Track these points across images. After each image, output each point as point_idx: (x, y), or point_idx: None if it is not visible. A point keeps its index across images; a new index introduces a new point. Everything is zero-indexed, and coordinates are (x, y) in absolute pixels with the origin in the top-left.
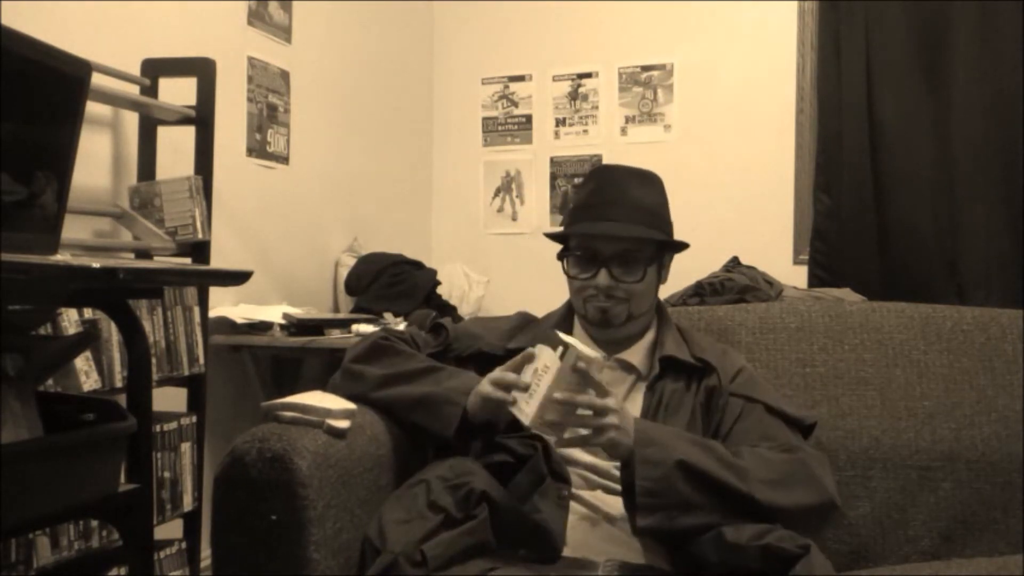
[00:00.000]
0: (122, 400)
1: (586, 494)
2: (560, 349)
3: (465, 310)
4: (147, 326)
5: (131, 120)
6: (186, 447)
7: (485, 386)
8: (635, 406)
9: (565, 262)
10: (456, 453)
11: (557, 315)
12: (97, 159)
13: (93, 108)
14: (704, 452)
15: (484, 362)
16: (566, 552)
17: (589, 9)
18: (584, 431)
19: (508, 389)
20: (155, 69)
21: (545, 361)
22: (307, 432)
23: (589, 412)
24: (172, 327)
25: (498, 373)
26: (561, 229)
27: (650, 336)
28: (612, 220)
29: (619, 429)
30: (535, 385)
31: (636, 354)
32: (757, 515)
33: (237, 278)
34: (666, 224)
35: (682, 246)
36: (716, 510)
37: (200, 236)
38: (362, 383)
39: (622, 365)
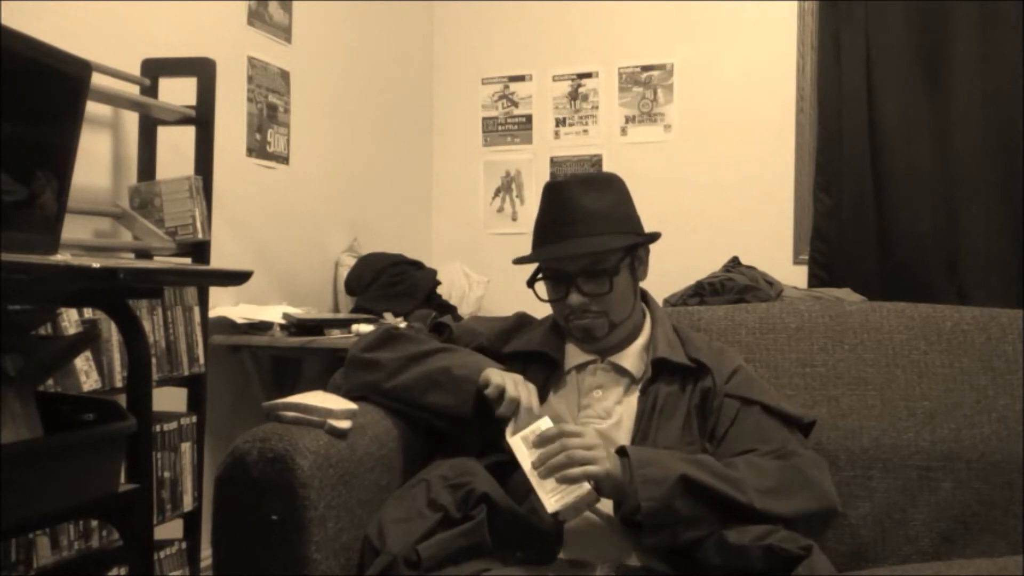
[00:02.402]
0: (122, 400)
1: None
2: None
3: (465, 310)
4: (147, 326)
5: (131, 120)
6: (186, 447)
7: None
8: (629, 410)
9: (536, 288)
10: (467, 437)
11: (552, 317)
12: (97, 159)
13: (93, 108)
14: (700, 468)
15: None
16: (564, 553)
17: (589, 9)
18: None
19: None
20: (155, 69)
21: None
22: (308, 432)
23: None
24: (172, 327)
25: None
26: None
27: (643, 337)
28: (569, 237)
29: (588, 449)
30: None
31: (629, 357)
32: (757, 521)
33: (237, 278)
34: (627, 222)
35: (651, 239)
36: (717, 522)
37: (200, 236)
38: (377, 370)
39: (615, 368)
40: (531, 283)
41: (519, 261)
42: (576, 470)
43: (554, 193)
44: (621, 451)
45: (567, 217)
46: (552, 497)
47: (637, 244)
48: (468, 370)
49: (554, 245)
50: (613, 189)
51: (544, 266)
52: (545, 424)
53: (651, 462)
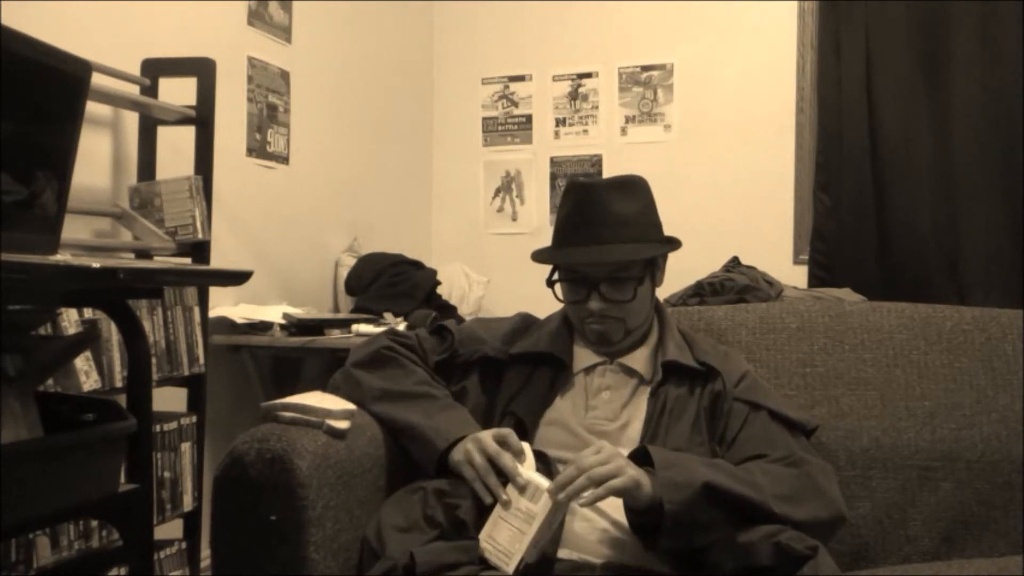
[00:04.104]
0: (122, 400)
1: (586, 495)
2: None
3: (465, 310)
4: (147, 326)
5: (131, 120)
6: (186, 447)
7: (473, 460)
8: (638, 411)
9: (555, 288)
10: None
11: (558, 317)
12: (97, 159)
13: (93, 108)
14: (721, 472)
15: (489, 367)
16: (564, 553)
17: (589, 9)
18: (591, 491)
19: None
20: (155, 69)
21: (526, 505)
22: (307, 433)
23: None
24: (172, 327)
25: (489, 477)
26: (546, 254)
27: (652, 339)
28: (596, 243)
29: (605, 463)
30: (515, 525)
31: (639, 359)
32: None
33: (237, 278)
34: (653, 229)
35: (674, 247)
36: (732, 526)
37: (200, 236)
38: (359, 392)
39: (624, 370)
40: (551, 283)
41: (540, 260)
42: (599, 490)
43: (582, 194)
44: (641, 452)
45: (596, 220)
46: (515, 562)
47: (663, 253)
48: (437, 434)
49: (580, 248)
50: (641, 194)
51: (565, 267)
52: (536, 479)
53: (673, 465)
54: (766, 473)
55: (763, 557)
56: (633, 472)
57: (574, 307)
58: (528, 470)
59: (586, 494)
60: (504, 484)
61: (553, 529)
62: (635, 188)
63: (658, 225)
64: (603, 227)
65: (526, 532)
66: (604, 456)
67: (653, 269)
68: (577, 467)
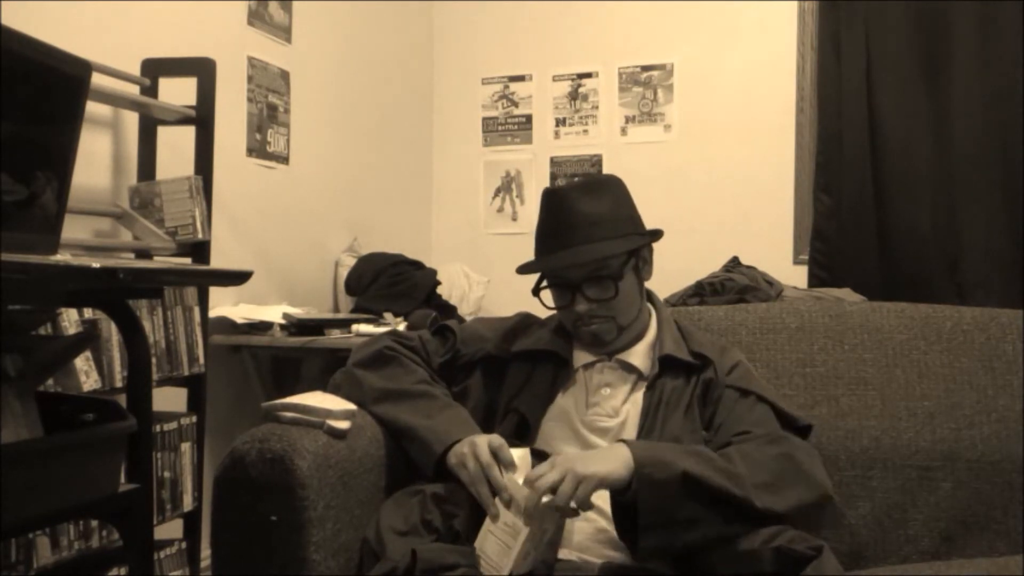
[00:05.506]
0: (122, 400)
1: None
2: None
3: (465, 310)
4: (147, 326)
5: (131, 120)
6: (186, 447)
7: (467, 465)
8: (636, 407)
9: (541, 296)
10: None
11: (558, 316)
12: (97, 159)
13: (93, 108)
14: (701, 461)
15: (491, 365)
16: (564, 554)
17: (589, 9)
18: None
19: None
20: (155, 69)
21: (512, 519)
22: (307, 433)
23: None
24: (172, 327)
25: (483, 486)
26: (528, 266)
27: (651, 335)
28: (569, 246)
29: (567, 468)
30: (502, 539)
31: (637, 355)
32: (756, 519)
33: (237, 278)
34: (628, 224)
35: (653, 237)
36: (716, 521)
37: (200, 236)
38: (360, 391)
39: (623, 366)
40: (536, 292)
41: (522, 271)
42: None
43: (552, 200)
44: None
45: (566, 224)
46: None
47: (639, 246)
48: (435, 437)
49: (555, 254)
50: (611, 191)
51: (547, 276)
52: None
53: (653, 462)
54: (746, 458)
55: (765, 563)
56: (580, 469)
57: (563, 313)
58: (517, 483)
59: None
60: (495, 495)
61: (545, 541)
62: (604, 187)
63: (634, 219)
64: (574, 230)
65: (511, 547)
66: (557, 474)
67: (637, 262)
68: (535, 491)
